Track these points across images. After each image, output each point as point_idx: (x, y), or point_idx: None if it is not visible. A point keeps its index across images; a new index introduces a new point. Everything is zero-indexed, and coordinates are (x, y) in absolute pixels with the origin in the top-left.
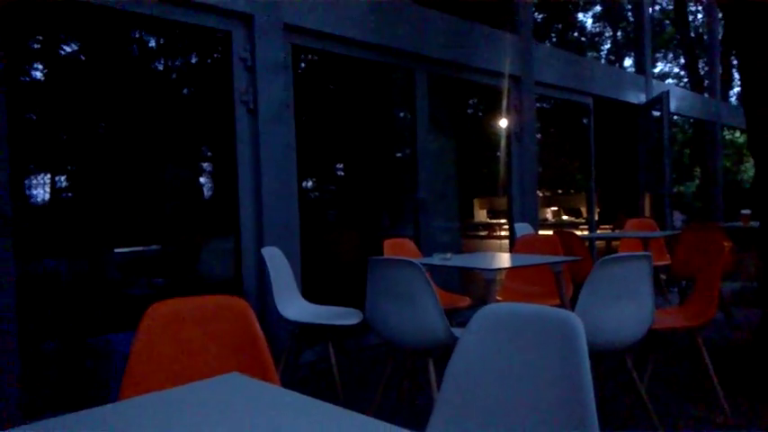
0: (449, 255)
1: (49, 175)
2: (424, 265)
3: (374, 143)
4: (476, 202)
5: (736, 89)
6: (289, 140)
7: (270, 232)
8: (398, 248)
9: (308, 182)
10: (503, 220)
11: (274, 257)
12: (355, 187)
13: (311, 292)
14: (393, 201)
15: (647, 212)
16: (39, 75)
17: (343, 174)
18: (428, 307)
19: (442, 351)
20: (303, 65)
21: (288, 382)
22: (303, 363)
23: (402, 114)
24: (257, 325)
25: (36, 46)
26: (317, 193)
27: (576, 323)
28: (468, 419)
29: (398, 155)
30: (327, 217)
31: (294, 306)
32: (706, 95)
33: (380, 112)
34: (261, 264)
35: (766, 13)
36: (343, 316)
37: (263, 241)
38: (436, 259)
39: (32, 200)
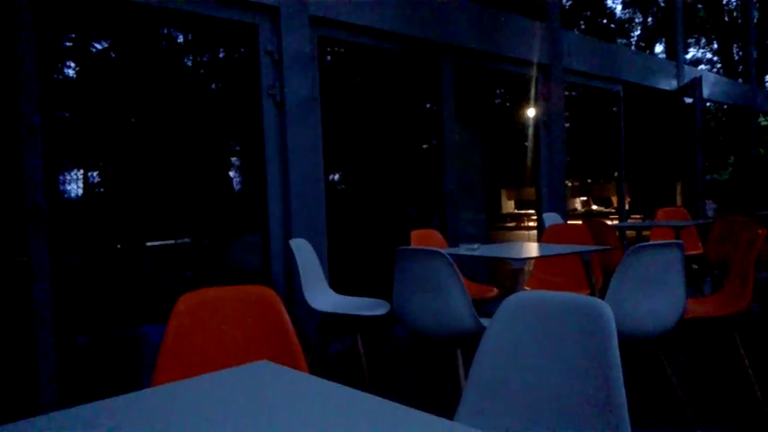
0: (476, 245)
1: (82, 171)
2: (451, 255)
3: (401, 135)
4: (503, 192)
5: None
6: (316, 133)
7: (297, 224)
8: (425, 239)
9: (334, 174)
10: (531, 211)
11: (302, 249)
12: (382, 179)
13: (339, 283)
14: (420, 192)
15: (679, 201)
16: (70, 72)
17: (369, 166)
18: (455, 297)
19: (470, 341)
20: (329, 57)
21: (316, 372)
22: (331, 353)
23: (429, 105)
24: (286, 315)
25: (68, 43)
26: (343, 186)
27: (605, 310)
28: (496, 408)
29: (425, 146)
30: (354, 209)
31: (322, 297)
32: (740, 81)
33: (407, 104)
34: (289, 256)
35: None
36: (371, 307)
37: (292, 233)
38: (463, 249)
39: (66, 195)
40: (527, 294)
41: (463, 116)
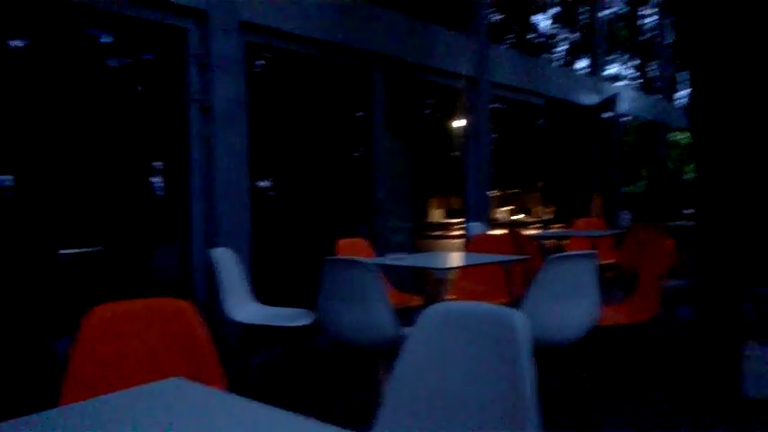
0: (402, 255)
1: None
2: (377, 265)
3: (330, 143)
4: (432, 201)
5: (683, 92)
6: (242, 140)
7: (221, 233)
8: (352, 248)
9: (261, 181)
10: (458, 220)
11: (224, 258)
12: (310, 187)
13: (264, 292)
14: (349, 201)
15: (597, 211)
16: None
17: (298, 173)
18: (379, 306)
19: (393, 351)
20: (258, 63)
21: (237, 386)
22: (255, 365)
23: (359, 114)
24: (202, 328)
25: None
26: (271, 193)
27: (518, 320)
28: (414, 416)
29: (355, 154)
30: (281, 217)
31: (244, 308)
32: (656, 97)
33: (338, 112)
34: (211, 265)
35: (715, 24)
36: (294, 317)
37: (214, 242)
38: (389, 259)
39: None
40: (446, 305)
41: (393, 125)
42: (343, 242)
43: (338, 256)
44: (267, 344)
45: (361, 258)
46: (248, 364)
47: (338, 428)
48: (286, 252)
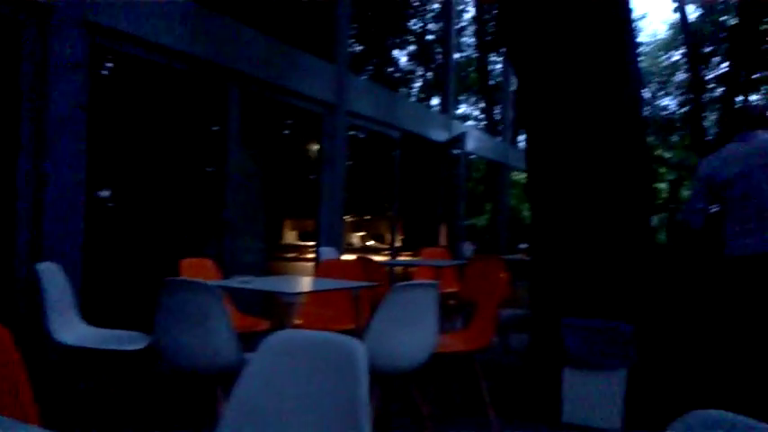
0: (249, 277)
1: None
2: (222, 287)
3: (181, 156)
4: (286, 223)
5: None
6: (79, 146)
7: (49, 247)
8: (196, 269)
9: (101, 192)
10: (312, 243)
11: (50, 274)
12: (156, 201)
13: (96, 313)
14: (197, 218)
15: (443, 241)
16: None
17: (143, 186)
18: (220, 331)
19: (235, 378)
20: (107, 66)
21: (61, 414)
22: (80, 391)
23: (213, 129)
24: (13, 353)
25: None
26: (111, 204)
27: (356, 349)
28: None
29: (207, 170)
30: (121, 231)
31: (72, 329)
32: (499, 139)
33: (190, 125)
34: (35, 281)
35: (549, 79)
36: (127, 340)
37: (42, 256)
38: (235, 282)
39: None
40: (287, 333)
41: (249, 144)
42: (186, 262)
43: (179, 278)
44: (96, 369)
45: (204, 281)
46: (73, 391)
47: None
48: (124, 270)
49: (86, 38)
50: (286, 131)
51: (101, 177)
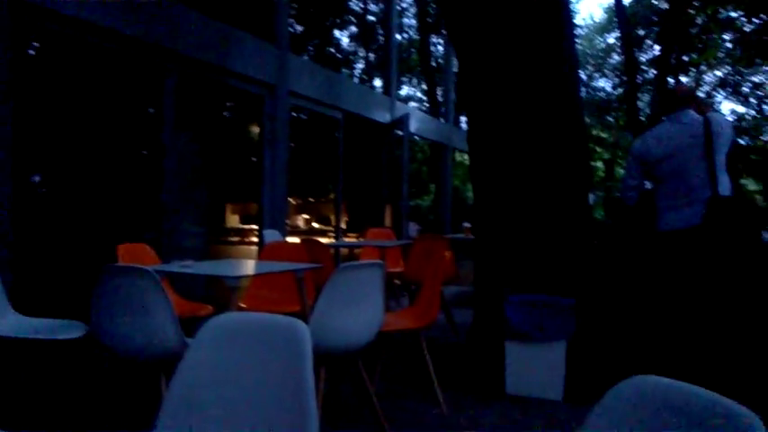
0: (189, 261)
1: None
2: (162, 272)
3: (116, 138)
4: (228, 206)
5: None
6: (4, 129)
7: None
8: (134, 254)
9: (33, 178)
10: (255, 226)
11: None
12: (91, 184)
13: (29, 302)
14: (135, 202)
15: (388, 222)
16: None
17: (76, 169)
18: (161, 317)
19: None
20: (34, 46)
21: None
22: (17, 384)
23: (151, 111)
24: None
25: None
26: (43, 190)
27: (300, 330)
28: (192, 424)
29: (143, 153)
30: (54, 217)
31: (2, 320)
32: (441, 120)
33: (126, 107)
34: None
35: (488, 61)
36: (63, 329)
37: None
38: (175, 266)
39: None
40: (229, 316)
41: (188, 126)
42: (123, 248)
43: (116, 264)
44: (30, 360)
45: (142, 265)
46: (14, 384)
47: None
48: (59, 258)
49: (10, 14)
50: (226, 113)
51: (30, 163)
